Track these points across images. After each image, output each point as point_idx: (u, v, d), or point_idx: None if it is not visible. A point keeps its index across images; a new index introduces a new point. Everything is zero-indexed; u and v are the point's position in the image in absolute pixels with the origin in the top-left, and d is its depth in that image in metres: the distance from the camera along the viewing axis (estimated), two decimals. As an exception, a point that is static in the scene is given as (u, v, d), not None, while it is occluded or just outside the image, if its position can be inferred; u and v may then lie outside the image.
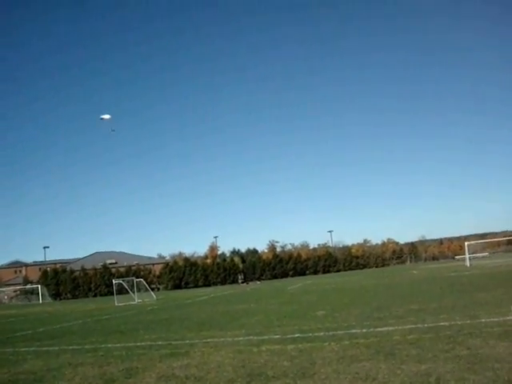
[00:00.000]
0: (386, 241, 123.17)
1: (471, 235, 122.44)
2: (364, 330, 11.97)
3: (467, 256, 58.37)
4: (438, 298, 18.85)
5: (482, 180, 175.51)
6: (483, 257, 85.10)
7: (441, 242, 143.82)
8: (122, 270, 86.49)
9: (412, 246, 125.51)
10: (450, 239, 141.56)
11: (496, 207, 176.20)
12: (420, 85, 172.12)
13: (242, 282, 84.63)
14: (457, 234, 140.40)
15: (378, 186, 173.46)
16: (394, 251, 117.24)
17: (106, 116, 38.14)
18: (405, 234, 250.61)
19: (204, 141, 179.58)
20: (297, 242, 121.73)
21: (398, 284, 32.67)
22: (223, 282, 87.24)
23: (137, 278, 54.30)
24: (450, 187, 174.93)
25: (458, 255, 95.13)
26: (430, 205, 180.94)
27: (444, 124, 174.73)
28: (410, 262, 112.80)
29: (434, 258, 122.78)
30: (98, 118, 38.31)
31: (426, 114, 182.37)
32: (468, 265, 53.84)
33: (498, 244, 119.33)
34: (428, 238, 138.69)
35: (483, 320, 11.69)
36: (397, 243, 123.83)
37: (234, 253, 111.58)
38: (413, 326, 11.91)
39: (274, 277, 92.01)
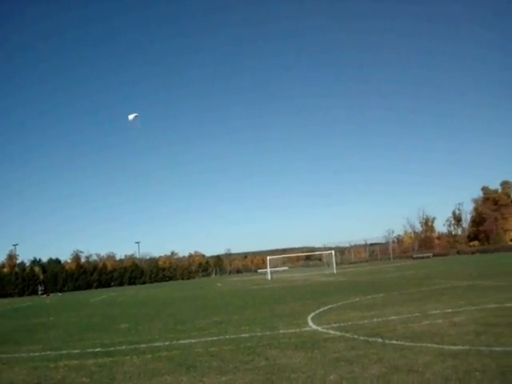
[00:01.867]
0: (192, 253, 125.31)
1: (273, 250, 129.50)
2: (167, 343, 11.75)
3: (269, 270, 61.20)
4: (240, 310, 19.30)
5: (282, 199, 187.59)
6: (283, 271, 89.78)
7: (245, 255, 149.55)
8: None
9: (218, 258, 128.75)
10: (254, 253, 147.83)
11: (296, 224, 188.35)
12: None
13: (42, 294, 79.47)
14: (260, 249, 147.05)
15: (184, 199, 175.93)
16: (200, 264, 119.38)
17: (133, 116, 33.53)
18: (211, 247, 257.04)
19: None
20: (103, 253, 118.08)
21: (203, 296, 33.02)
22: (21, 294, 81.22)
23: None
24: (253, 205, 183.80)
25: (261, 269, 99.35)
26: (236, 219, 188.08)
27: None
28: (216, 274, 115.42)
29: (239, 271, 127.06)
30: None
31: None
32: (269, 278, 56.33)
33: (297, 259, 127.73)
34: (233, 251, 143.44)
35: (281, 331, 12.13)
36: (203, 256, 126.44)
37: (35, 262, 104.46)
38: (215, 338, 11.96)
39: (78, 288, 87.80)
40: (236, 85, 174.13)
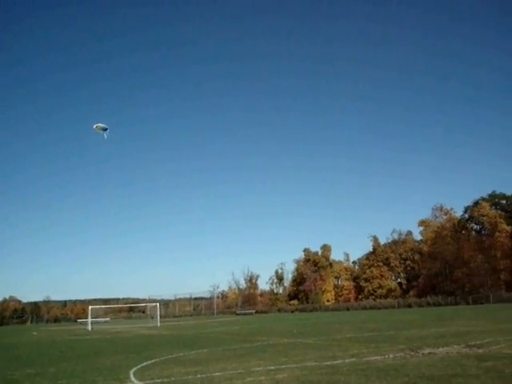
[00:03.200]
0: (7, 298, 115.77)
1: (95, 299, 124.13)
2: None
3: (89, 320, 58.37)
4: (57, 361, 17.96)
5: (106, 248, 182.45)
6: (105, 322, 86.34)
7: (65, 303, 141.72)
8: None
9: (35, 305, 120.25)
10: (75, 302, 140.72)
11: (121, 274, 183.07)
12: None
13: None
14: (81, 297, 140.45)
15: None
16: (15, 310, 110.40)
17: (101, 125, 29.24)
18: (28, 292, 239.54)
19: None
20: None
21: (16, 345, 30.42)
22: None
23: None
24: (75, 251, 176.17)
25: (81, 318, 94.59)
26: (56, 264, 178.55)
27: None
28: (32, 322, 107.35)
29: (57, 320, 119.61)
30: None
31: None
32: (90, 329, 53.79)
33: (120, 310, 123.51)
34: (52, 298, 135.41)
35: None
36: (19, 302, 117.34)
37: None
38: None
39: None
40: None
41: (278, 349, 18.62)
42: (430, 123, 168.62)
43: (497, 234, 77.32)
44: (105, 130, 29.31)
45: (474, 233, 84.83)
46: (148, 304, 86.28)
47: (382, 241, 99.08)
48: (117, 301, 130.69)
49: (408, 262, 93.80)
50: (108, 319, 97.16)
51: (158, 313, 62.47)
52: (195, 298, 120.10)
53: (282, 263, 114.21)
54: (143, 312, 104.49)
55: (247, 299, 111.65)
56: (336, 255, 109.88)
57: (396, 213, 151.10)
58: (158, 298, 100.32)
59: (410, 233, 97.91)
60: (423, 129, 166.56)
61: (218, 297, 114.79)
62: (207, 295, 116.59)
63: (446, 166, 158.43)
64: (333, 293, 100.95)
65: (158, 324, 56.36)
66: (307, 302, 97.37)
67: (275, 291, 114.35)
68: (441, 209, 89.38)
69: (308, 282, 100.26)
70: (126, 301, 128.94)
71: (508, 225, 77.77)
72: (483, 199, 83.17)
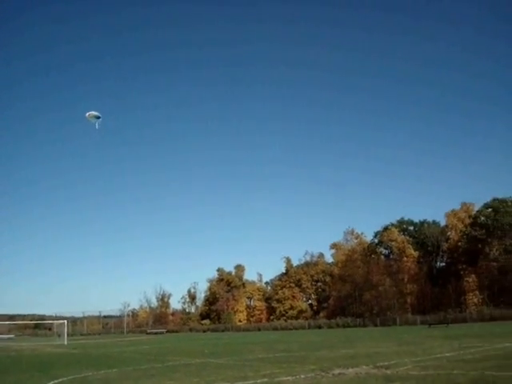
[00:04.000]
0: None
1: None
2: None
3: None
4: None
5: (11, 260, 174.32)
6: (9, 338, 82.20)
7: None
8: None
9: None
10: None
11: (26, 289, 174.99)
12: None
13: None
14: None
15: None
16: None
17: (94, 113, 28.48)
18: None
19: None
20: None
21: None
22: None
23: None
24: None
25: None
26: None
27: None
28: None
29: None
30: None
31: None
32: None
33: (25, 327, 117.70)
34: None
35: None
36: None
37: None
38: None
39: None
40: None
41: (190, 369, 18.36)
42: (338, 152, 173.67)
43: (404, 258, 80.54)
44: (98, 118, 28.72)
45: (382, 257, 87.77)
46: (55, 321, 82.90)
47: (295, 262, 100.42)
48: (22, 317, 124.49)
49: (319, 284, 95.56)
50: (12, 336, 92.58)
51: (66, 330, 60.16)
52: (105, 316, 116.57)
53: (195, 282, 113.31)
54: (49, 329, 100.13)
55: (158, 318, 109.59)
56: (249, 275, 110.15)
57: (309, 235, 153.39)
58: (66, 315, 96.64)
59: (322, 255, 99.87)
60: (333, 156, 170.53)
61: (128, 315, 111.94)
62: (117, 313, 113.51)
63: (357, 190, 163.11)
64: (245, 313, 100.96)
65: (66, 342, 54.27)
66: (219, 322, 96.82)
67: (187, 310, 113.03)
68: (352, 233, 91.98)
69: (221, 301, 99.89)
70: (31, 317, 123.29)
71: (415, 250, 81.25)
72: (392, 225, 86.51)
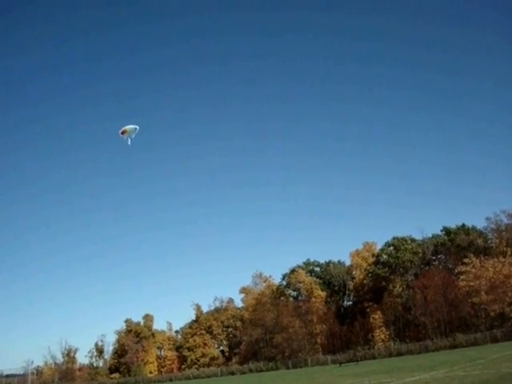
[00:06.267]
0: None
1: None
2: None
3: None
4: None
5: None
6: None
7: None
8: None
9: None
10: None
11: None
12: None
13: None
14: None
15: None
16: None
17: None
18: None
19: None
20: None
21: None
22: None
23: None
24: None
25: None
26: None
27: None
28: None
29: None
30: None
31: None
32: None
33: None
34: None
35: None
36: None
37: None
38: None
39: None
40: None
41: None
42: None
43: (313, 299, 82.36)
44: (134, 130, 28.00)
45: (291, 299, 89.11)
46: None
47: (205, 308, 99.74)
48: None
49: (230, 329, 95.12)
50: None
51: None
52: (7, 375, 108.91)
53: (102, 335, 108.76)
54: None
55: (65, 375, 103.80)
56: (159, 325, 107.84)
57: (218, 279, 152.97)
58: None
59: (231, 300, 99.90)
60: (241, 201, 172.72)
61: (32, 373, 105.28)
62: (21, 371, 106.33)
63: (263, 233, 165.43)
64: (155, 364, 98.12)
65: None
66: (129, 375, 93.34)
67: (95, 365, 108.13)
68: (260, 276, 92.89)
69: (130, 353, 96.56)
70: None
71: (322, 290, 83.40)
72: (299, 266, 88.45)
